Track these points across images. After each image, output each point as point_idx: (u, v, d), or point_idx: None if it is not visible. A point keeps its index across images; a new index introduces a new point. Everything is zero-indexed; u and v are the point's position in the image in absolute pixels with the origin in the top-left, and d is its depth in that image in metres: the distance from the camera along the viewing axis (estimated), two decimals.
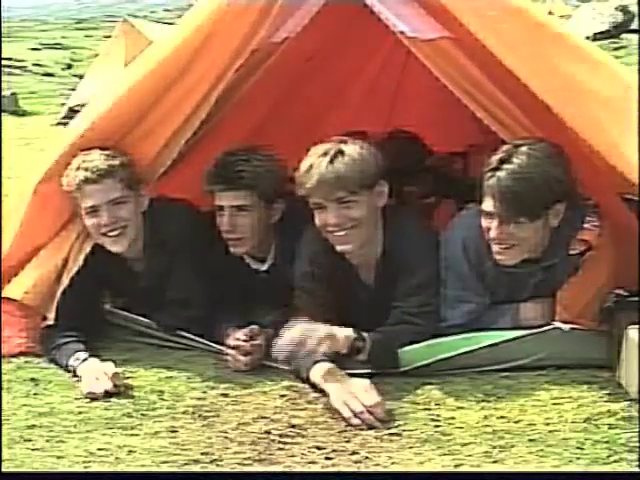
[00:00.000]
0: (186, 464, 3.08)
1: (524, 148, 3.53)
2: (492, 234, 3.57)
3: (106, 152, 3.86)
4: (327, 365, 3.50)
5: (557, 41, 3.68)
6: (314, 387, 3.51)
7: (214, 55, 3.79)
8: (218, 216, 3.97)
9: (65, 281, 3.94)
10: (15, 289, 3.97)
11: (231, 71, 3.82)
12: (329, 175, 3.57)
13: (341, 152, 3.60)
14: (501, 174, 3.50)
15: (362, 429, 3.27)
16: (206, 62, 3.79)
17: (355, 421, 3.29)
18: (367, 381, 3.41)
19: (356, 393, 3.34)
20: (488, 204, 3.55)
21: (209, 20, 3.79)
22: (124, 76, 4.01)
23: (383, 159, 3.71)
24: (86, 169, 3.83)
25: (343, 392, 3.38)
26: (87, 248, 3.96)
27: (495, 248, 3.60)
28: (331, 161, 3.58)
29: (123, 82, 3.95)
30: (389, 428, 3.27)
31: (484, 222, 3.60)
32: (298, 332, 3.47)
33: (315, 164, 3.59)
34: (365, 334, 3.57)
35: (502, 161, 3.52)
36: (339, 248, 3.71)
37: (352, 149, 3.63)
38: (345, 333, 3.54)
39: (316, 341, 3.45)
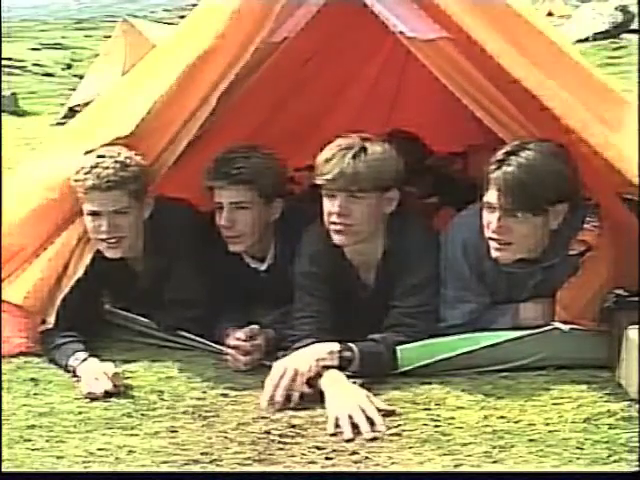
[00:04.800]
0: (186, 464, 3.08)
1: (532, 145, 3.55)
2: (492, 227, 3.57)
3: (120, 159, 3.82)
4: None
5: (552, 43, 3.70)
6: (312, 387, 3.50)
7: (216, 56, 3.79)
8: (217, 213, 3.98)
9: (66, 287, 3.93)
10: (15, 293, 3.97)
11: (233, 72, 3.83)
12: (349, 171, 3.61)
13: (364, 150, 3.64)
14: (508, 166, 3.51)
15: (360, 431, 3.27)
16: (208, 63, 3.80)
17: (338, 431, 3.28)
18: (366, 393, 3.39)
19: (351, 411, 3.29)
20: (492, 196, 3.55)
21: (211, 21, 3.79)
22: (126, 79, 4.01)
23: (402, 167, 3.73)
24: (97, 176, 3.81)
25: (339, 404, 3.35)
26: (88, 255, 3.94)
27: (493, 245, 3.60)
28: (354, 157, 3.62)
29: (126, 85, 3.95)
30: (389, 428, 3.27)
31: (485, 216, 3.59)
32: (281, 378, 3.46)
33: (337, 156, 3.63)
34: (353, 345, 3.56)
35: (509, 154, 3.53)
36: (335, 238, 3.72)
37: (376, 149, 3.67)
38: (329, 348, 3.54)
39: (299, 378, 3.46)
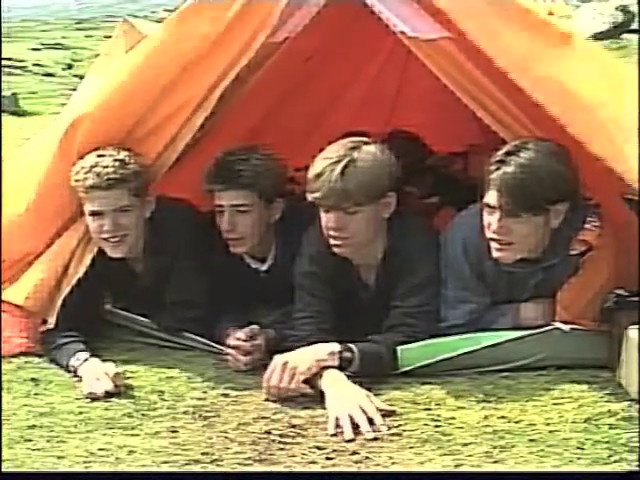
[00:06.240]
0: (186, 464, 3.08)
1: (531, 145, 3.54)
2: (492, 228, 3.57)
3: (120, 157, 3.83)
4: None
5: (555, 42, 3.69)
6: (313, 387, 3.51)
7: (217, 55, 3.79)
8: (218, 215, 3.98)
9: (66, 287, 3.93)
10: (16, 293, 3.97)
11: (234, 72, 3.82)
12: (338, 189, 3.54)
13: (353, 161, 3.57)
14: (507, 166, 3.51)
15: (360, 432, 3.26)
16: (208, 62, 3.80)
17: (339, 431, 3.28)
18: (366, 393, 3.39)
19: (352, 411, 3.30)
20: (492, 197, 3.54)
21: (211, 21, 3.79)
22: (123, 74, 3.99)
23: (397, 168, 3.69)
24: (97, 174, 3.81)
25: (339, 404, 3.35)
26: (88, 255, 3.94)
27: (494, 245, 3.60)
28: (342, 172, 3.55)
29: (122, 80, 3.93)
30: (389, 428, 3.27)
31: (486, 217, 3.59)
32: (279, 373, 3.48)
33: (325, 172, 3.56)
34: (353, 345, 3.55)
35: (509, 154, 3.53)
36: (336, 250, 3.72)
37: (366, 158, 3.59)
38: (330, 349, 3.54)
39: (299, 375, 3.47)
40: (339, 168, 3.55)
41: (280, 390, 3.47)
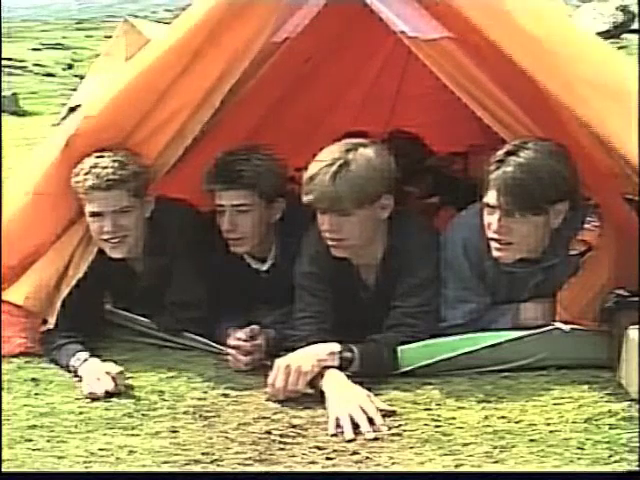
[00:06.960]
0: (187, 464, 3.08)
1: (531, 144, 3.54)
2: (492, 228, 3.57)
3: (119, 158, 3.84)
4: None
5: (559, 34, 3.68)
6: (314, 387, 3.51)
7: (217, 56, 3.79)
8: (218, 215, 3.98)
9: (67, 287, 3.93)
10: (16, 294, 3.97)
11: (234, 72, 3.82)
12: (330, 192, 3.55)
13: (347, 165, 3.56)
14: (507, 166, 3.51)
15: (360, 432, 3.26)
16: (209, 63, 3.80)
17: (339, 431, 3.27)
18: (366, 393, 3.39)
19: (352, 411, 3.29)
20: (492, 197, 3.54)
21: (212, 21, 3.79)
22: (125, 76, 4.00)
23: (394, 168, 3.68)
24: (97, 176, 3.82)
25: (339, 404, 3.35)
26: (88, 256, 3.95)
27: (494, 245, 3.60)
28: (334, 176, 3.54)
29: (124, 82, 3.94)
30: (390, 428, 3.27)
31: (486, 217, 3.59)
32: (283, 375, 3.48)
33: (319, 176, 3.56)
34: (353, 345, 3.55)
35: (508, 154, 3.53)
36: (333, 252, 3.72)
37: (360, 161, 3.58)
38: (330, 349, 3.54)
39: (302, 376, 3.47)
40: (331, 171, 3.55)
41: (286, 392, 3.47)
